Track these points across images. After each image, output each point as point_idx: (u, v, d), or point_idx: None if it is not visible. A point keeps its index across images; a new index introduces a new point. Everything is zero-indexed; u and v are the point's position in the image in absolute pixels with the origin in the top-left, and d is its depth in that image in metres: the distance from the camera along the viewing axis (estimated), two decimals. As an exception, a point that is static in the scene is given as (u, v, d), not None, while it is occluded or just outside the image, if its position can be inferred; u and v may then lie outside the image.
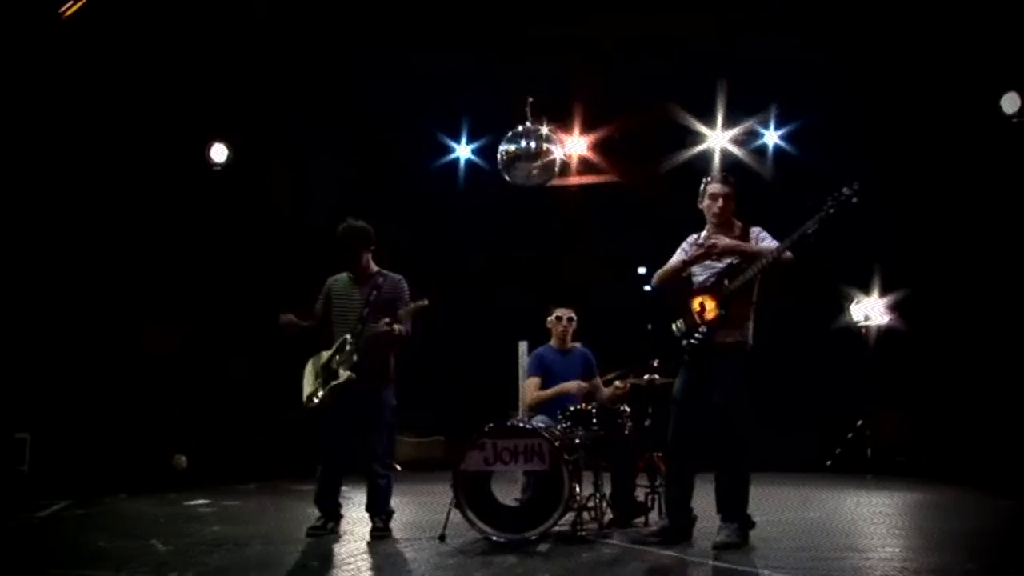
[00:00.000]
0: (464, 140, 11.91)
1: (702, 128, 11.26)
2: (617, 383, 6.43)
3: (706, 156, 11.30)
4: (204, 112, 10.19)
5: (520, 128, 9.87)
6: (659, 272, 5.53)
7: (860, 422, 11.32)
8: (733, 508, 5.16)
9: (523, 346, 7.07)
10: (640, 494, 6.09)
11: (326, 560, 5.07)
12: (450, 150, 11.98)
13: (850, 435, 11.33)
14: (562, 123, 11.22)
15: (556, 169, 9.99)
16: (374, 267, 5.94)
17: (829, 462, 11.29)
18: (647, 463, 6.00)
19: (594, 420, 5.83)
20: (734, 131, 11.34)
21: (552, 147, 9.92)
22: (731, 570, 4.52)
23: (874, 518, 6.88)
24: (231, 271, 10.76)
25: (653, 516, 5.98)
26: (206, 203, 10.59)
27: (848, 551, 5.13)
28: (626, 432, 5.94)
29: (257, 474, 9.89)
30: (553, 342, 6.67)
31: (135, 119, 9.71)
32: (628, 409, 6.03)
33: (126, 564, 4.69)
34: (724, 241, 5.23)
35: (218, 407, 10.70)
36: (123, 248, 10.12)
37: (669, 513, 5.40)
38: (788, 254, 5.12)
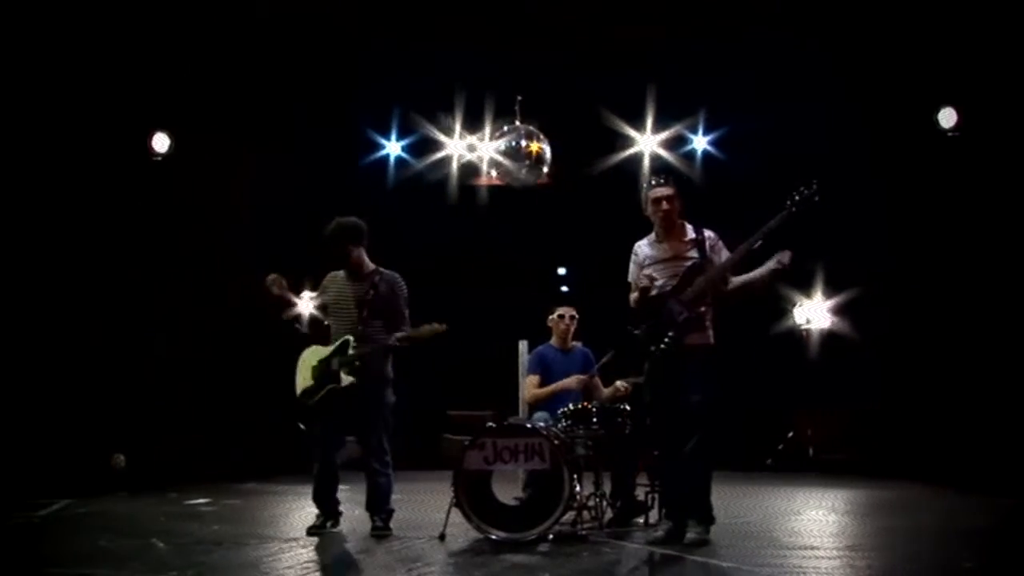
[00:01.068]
0: (394, 137, 11.85)
1: (631, 132, 11.28)
2: (619, 384, 6.44)
3: (636, 159, 11.38)
4: (146, 102, 9.94)
5: (509, 127, 9.84)
6: (633, 302, 5.49)
7: (791, 433, 11.53)
8: (703, 506, 5.21)
9: (523, 345, 7.07)
10: (640, 493, 6.09)
11: (325, 559, 5.07)
12: (381, 146, 11.92)
13: (786, 437, 11.51)
14: (494, 124, 11.25)
15: (546, 167, 9.97)
16: (370, 264, 5.92)
17: (769, 460, 11.41)
18: (648, 462, 5.99)
19: (594, 419, 5.83)
20: (663, 135, 11.39)
21: (542, 145, 9.90)
22: (735, 569, 4.52)
23: (858, 515, 6.88)
24: (172, 265, 10.51)
25: (653, 515, 5.99)
26: (148, 194, 10.28)
27: (847, 550, 5.14)
28: (626, 431, 5.94)
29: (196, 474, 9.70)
30: (554, 341, 6.68)
31: (75, 107, 9.40)
32: (628, 408, 6.03)
33: (126, 563, 4.69)
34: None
35: (160, 405, 10.36)
36: (60, 240, 9.70)
37: (669, 514, 5.41)
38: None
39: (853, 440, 11.11)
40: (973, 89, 9.66)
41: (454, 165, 11.59)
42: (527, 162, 10.01)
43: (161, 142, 10.37)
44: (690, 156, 11.51)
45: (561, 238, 12.05)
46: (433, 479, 7.91)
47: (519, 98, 10.06)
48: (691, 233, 5.40)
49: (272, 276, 5.92)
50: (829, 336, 11.83)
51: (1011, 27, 8.78)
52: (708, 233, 5.38)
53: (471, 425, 12.21)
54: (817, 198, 5.12)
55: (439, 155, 11.64)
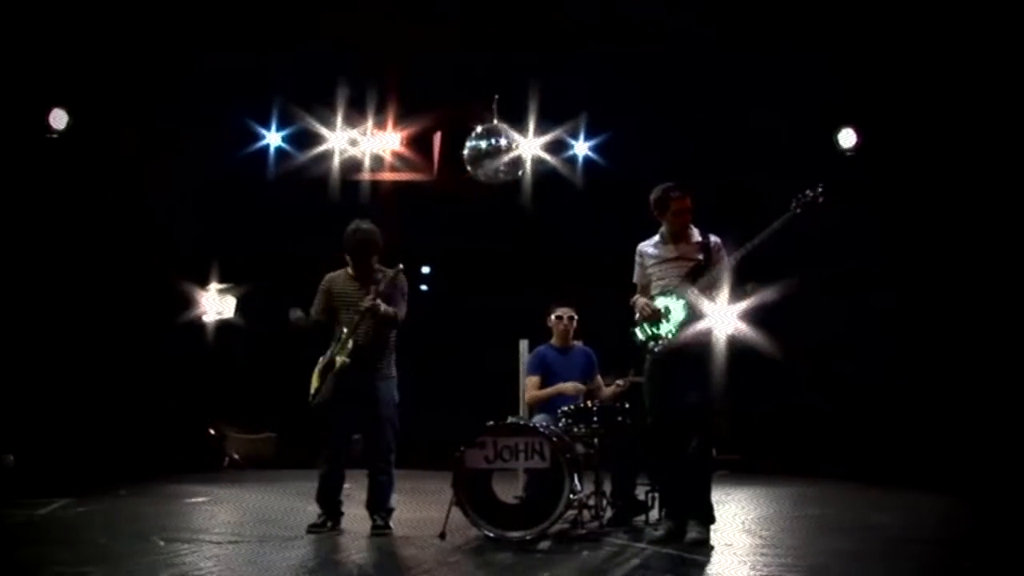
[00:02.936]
0: (274, 128, 11.27)
1: (514, 135, 10.84)
2: (618, 382, 6.44)
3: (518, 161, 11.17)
4: (43, 77, 9.38)
5: (486, 126, 9.78)
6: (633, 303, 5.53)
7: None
8: (704, 506, 5.21)
9: (523, 345, 7.07)
10: (640, 492, 6.10)
11: (326, 558, 5.06)
12: (260, 137, 11.32)
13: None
14: (377, 119, 11.13)
15: (523, 166, 9.91)
16: (375, 266, 5.95)
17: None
18: (648, 462, 5.98)
19: (595, 418, 5.83)
20: (545, 138, 11.13)
21: (521, 144, 9.84)
22: (735, 567, 4.53)
23: (842, 518, 6.77)
24: (71, 247, 10.06)
25: (653, 514, 6.00)
26: (44, 173, 9.71)
27: (848, 554, 5.13)
28: (626, 431, 5.94)
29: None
30: (554, 341, 6.68)
31: None
32: (628, 407, 6.03)
33: (126, 563, 4.69)
34: None
35: (58, 400, 9.83)
36: None
37: (669, 513, 5.42)
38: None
39: (745, 441, 11.22)
40: (873, 110, 9.85)
41: (336, 159, 11.28)
42: (505, 160, 9.96)
43: (59, 118, 9.73)
44: (571, 161, 11.34)
45: (435, 236, 11.80)
46: (433, 479, 7.91)
47: (496, 97, 9.98)
48: (697, 236, 5.42)
49: (296, 315, 5.95)
50: (733, 341, 11.91)
51: (910, 48, 8.98)
52: (713, 238, 5.42)
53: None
54: (821, 199, 5.16)
55: (321, 148, 11.26)
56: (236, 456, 11.53)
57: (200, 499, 7.85)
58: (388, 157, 11.43)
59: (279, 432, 11.93)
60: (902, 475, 9.08)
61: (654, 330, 5.32)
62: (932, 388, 9.79)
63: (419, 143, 11.45)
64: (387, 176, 11.62)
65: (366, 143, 11.28)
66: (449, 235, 11.67)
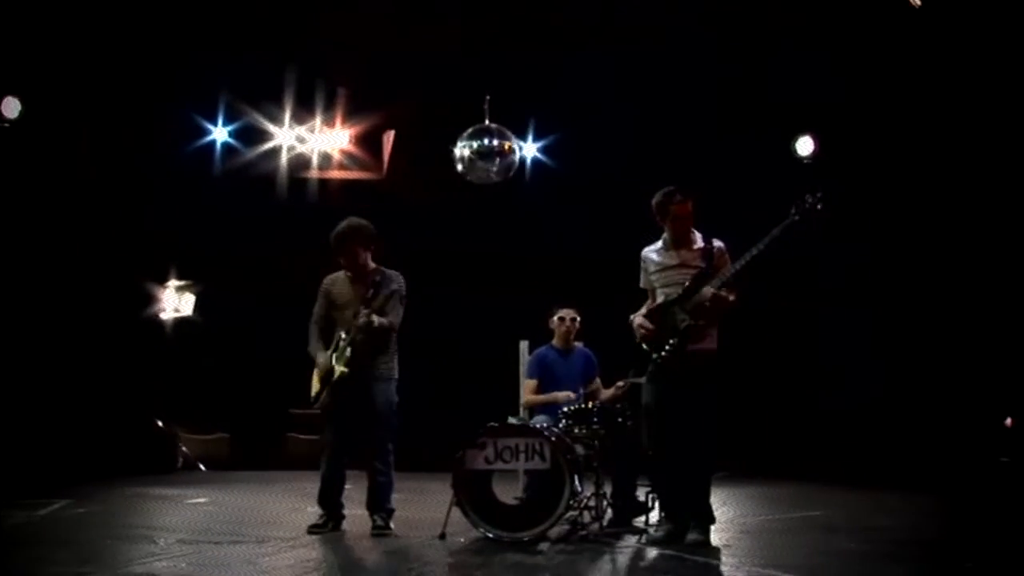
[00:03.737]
0: (220, 122, 11.04)
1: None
2: (618, 383, 6.43)
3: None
4: None
5: (480, 126, 9.77)
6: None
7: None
8: (703, 507, 5.22)
9: (524, 346, 7.07)
10: (640, 493, 6.09)
11: (325, 558, 5.07)
12: (208, 132, 11.05)
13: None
14: (325, 116, 11.10)
15: (515, 167, 9.91)
16: (372, 264, 5.93)
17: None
18: (648, 463, 5.98)
19: (595, 419, 5.83)
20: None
21: (512, 144, 9.84)
22: (735, 568, 4.52)
23: (842, 519, 6.74)
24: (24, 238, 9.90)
25: (653, 516, 5.99)
26: None
27: (848, 555, 5.13)
28: (626, 432, 5.93)
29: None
30: (555, 342, 6.68)
31: None
32: (629, 408, 6.02)
33: (126, 563, 4.68)
34: None
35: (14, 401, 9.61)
36: None
37: (669, 515, 5.42)
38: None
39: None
40: (831, 119, 10.00)
41: (283, 156, 11.17)
42: (497, 160, 9.95)
43: (11, 107, 9.57)
44: (519, 162, 11.11)
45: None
46: (433, 479, 7.90)
47: (488, 97, 9.97)
48: (700, 242, 5.40)
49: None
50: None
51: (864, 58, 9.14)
52: (717, 243, 5.40)
53: (315, 424, 11.95)
54: (820, 206, 5.15)
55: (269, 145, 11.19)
56: (186, 451, 11.43)
57: (200, 500, 7.84)
58: (336, 155, 11.36)
59: (232, 432, 11.85)
60: (902, 477, 9.07)
61: (654, 347, 5.32)
62: (931, 390, 9.79)
63: (369, 142, 11.37)
64: (335, 175, 11.54)
65: (314, 140, 11.21)
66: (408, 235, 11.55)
